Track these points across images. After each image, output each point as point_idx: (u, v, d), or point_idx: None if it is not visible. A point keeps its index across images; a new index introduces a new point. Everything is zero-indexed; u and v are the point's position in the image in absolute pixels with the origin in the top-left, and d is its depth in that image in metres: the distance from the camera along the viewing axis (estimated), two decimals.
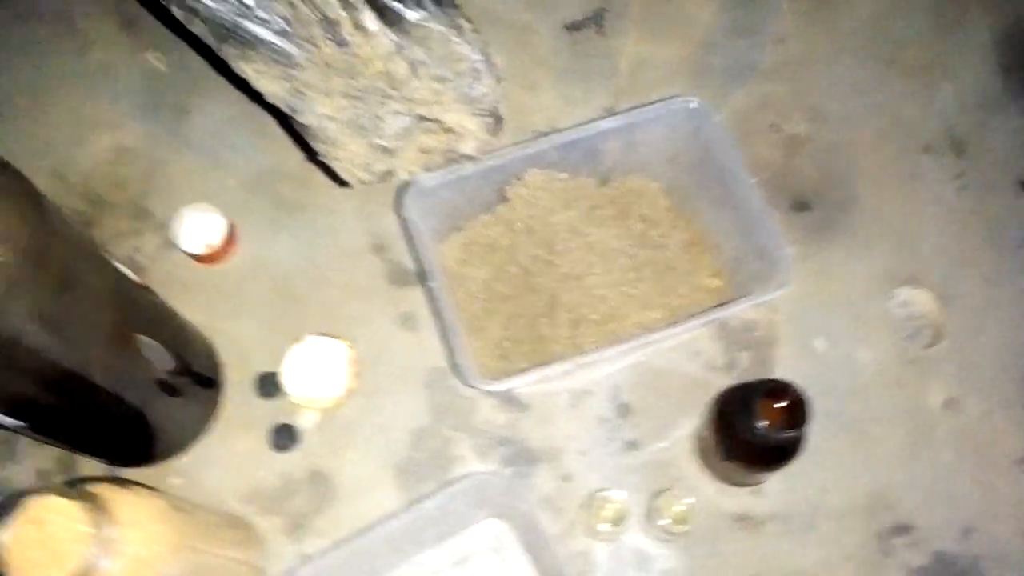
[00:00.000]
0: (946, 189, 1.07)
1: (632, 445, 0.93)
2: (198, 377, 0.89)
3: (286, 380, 0.92)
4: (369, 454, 0.92)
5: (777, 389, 0.79)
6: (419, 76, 0.84)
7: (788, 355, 0.97)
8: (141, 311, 0.81)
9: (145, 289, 0.83)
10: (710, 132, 0.94)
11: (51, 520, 0.56)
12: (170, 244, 1.00)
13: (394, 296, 1.00)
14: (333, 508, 0.89)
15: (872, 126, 1.11)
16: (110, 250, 0.88)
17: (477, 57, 0.86)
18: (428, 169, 0.91)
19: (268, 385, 0.94)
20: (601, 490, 0.87)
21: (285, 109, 0.86)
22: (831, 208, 1.06)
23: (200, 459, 0.91)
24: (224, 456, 0.91)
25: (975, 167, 1.08)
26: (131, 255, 1.01)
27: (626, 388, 0.95)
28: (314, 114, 0.85)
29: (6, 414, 0.70)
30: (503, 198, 0.98)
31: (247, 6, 0.79)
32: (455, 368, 0.93)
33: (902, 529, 0.90)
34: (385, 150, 0.88)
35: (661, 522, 0.83)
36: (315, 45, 0.80)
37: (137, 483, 0.70)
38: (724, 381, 0.95)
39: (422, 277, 0.98)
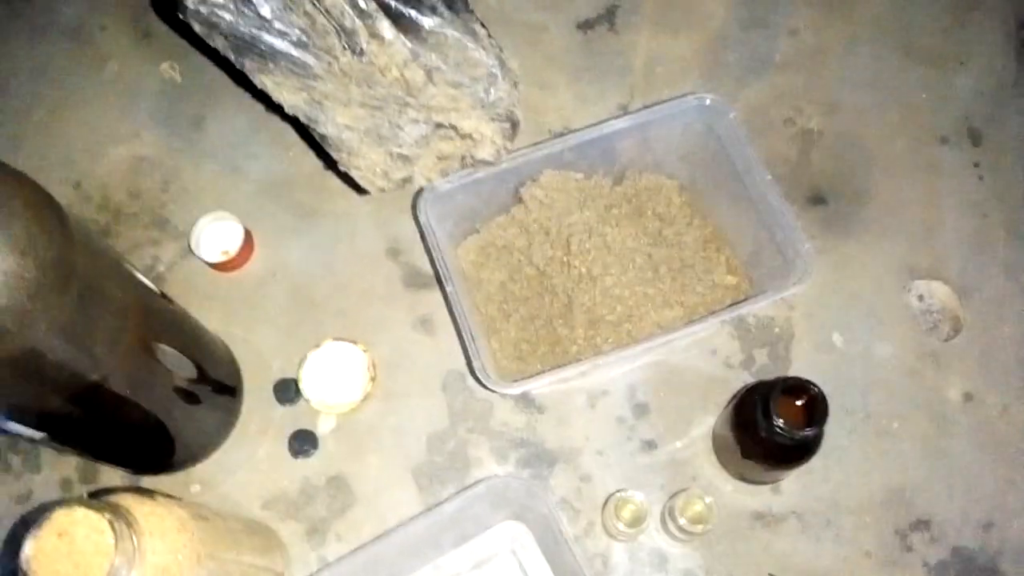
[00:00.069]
0: (963, 180, 1.06)
1: (650, 445, 0.93)
2: (217, 385, 0.90)
3: (304, 386, 0.93)
4: (387, 458, 0.93)
5: (796, 387, 0.79)
6: (436, 83, 0.85)
7: (806, 351, 0.97)
8: (161, 320, 0.82)
9: (164, 298, 0.83)
10: (725, 128, 0.94)
11: (76, 532, 0.57)
12: (188, 252, 1.01)
13: (411, 300, 1.00)
14: (352, 512, 0.90)
15: (888, 117, 1.10)
16: (129, 260, 0.89)
17: (493, 62, 0.86)
18: (445, 175, 0.91)
19: (287, 391, 0.95)
20: (619, 491, 0.87)
21: (304, 120, 0.86)
22: (847, 201, 1.05)
23: (220, 466, 0.92)
24: (244, 462, 0.92)
25: (992, 157, 1.07)
26: (150, 264, 1.02)
27: (643, 388, 0.95)
28: (333, 124, 0.86)
29: (28, 425, 0.72)
30: (518, 200, 0.99)
31: (265, 19, 0.79)
32: (472, 371, 0.93)
33: (921, 525, 0.90)
34: (403, 158, 0.89)
35: (679, 522, 0.83)
36: (333, 55, 0.81)
37: (159, 492, 0.71)
38: (741, 379, 0.95)
39: (439, 280, 0.98)
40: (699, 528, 0.83)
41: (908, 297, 1.00)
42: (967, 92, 1.11)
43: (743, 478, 0.90)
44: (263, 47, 0.81)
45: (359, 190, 0.94)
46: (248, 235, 1.01)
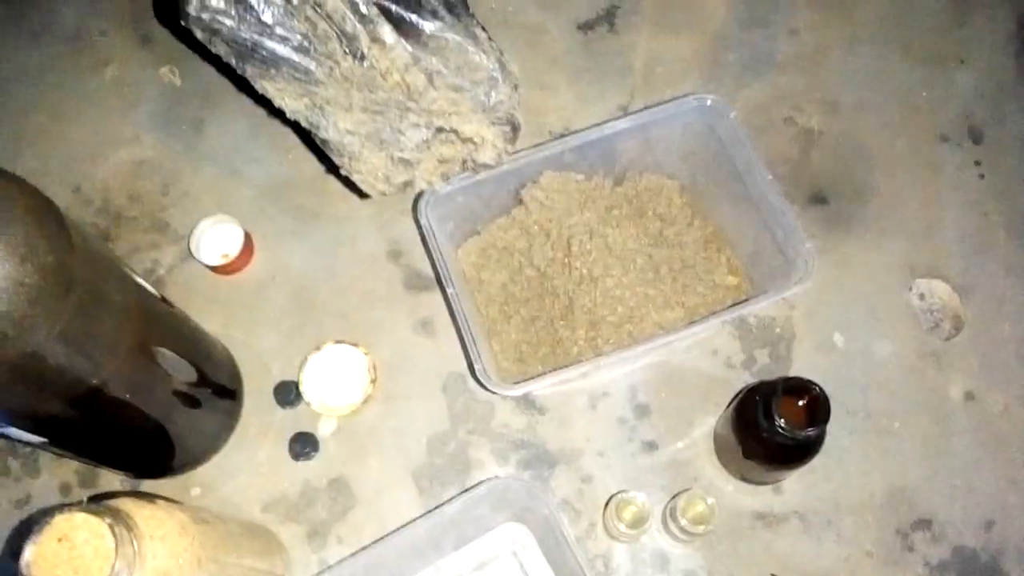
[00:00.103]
0: (964, 178, 1.06)
1: (651, 446, 0.93)
2: (218, 388, 0.90)
3: (305, 388, 0.93)
4: (388, 460, 0.93)
5: (797, 387, 0.79)
6: (437, 87, 0.85)
7: (807, 351, 0.97)
8: (161, 324, 0.82)
9: (164, 302, 0.84)
10: (726, 129, 0.94)
11: (76, 536, 0.57)
12: (188, 256, 1.01)
13: (411, 302, 1.00)
14: (353, 515, 0.90)
15: (888, 116, 1.10)
16: (129, 263, 0.89)
17: (493, 66, 0.86)
18: (446, 179, 0.91)
19: (287, 394, 0.95)
20: (621, 491, 0.87)
21: (306, 125, 0.87)
22: (848, 200, 1.05)
23: (220, 469, 0.92)
24: (244, 465, 0.92)
25: (993, 155, 1.07)
26: (150, 268, 1.02)
27: (644, 388, 0.95)
28: (335, 129, 0.86)
29: (28, 430, 0.72)
30: (519, 201, 0.99)
31: (267, 25, 0.79)
32: (473, 372, 0.93)
33: (922, 524, 0.89)
34: (405, 162, 0.89)
35: (681, 522, 0.83)
36: (334, 60, 0.81)
37: (160, 496, 0.71)
38: (742, 379, 0.95)
39: (439, 282, 0.98)
40: (701, 528, 0.83)
41: (909, 296, 1.00)
42: (968, 91, 1.11)
43: (744, 478, 0.90)
44: (264, 53, 0.81)
45: (360, 193, 0.94)
46: (248, 238, 1.01)
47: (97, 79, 1.15)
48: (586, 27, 1.17)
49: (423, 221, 0.90)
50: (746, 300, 0.94)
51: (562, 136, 0.98)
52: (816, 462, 0.84)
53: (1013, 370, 0.96)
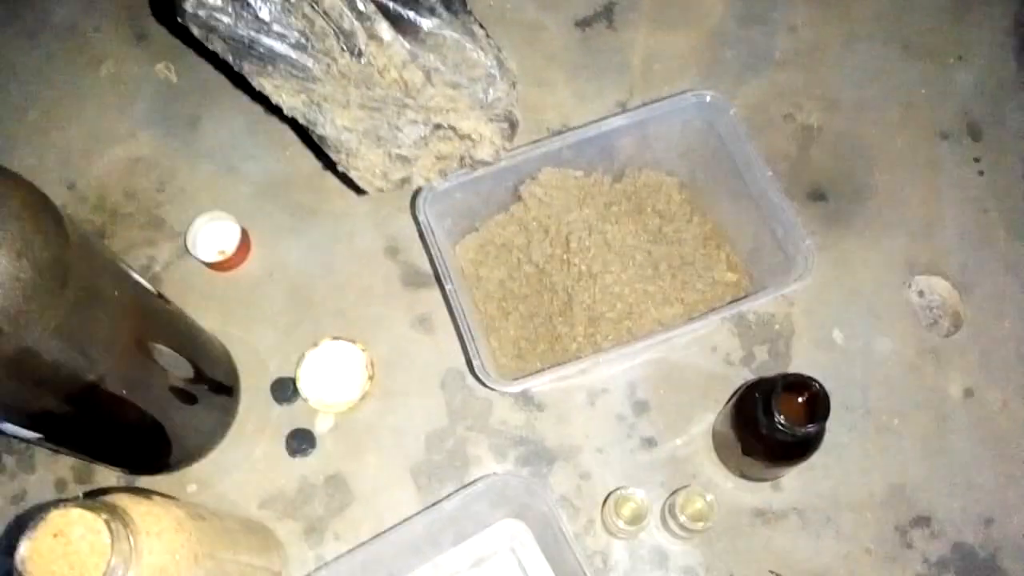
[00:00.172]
0: (963, 175, 1.06)
1: (650, 442, 0.92)
2: (214, 384, 0.89)
3: (302, 385, 0.93)
4: (386, 457, 0.92)
5: (797, 383, 0.79)
6: (434, 84, 0.85)
7: (806, 348, 0.97)
8: (157, 320, 0.81)
9: (161, 298, 0.83)
10: (725, 125, 0.94)
11: (71, 532, 0.57)
12: (184, 252, 1.01)
13: (409, 298, 1.00)
14: (351, 511, 0.90)
15: (887, 113, 1.10)
16: (125, 260, 0.89)
17: (491, 63, 0.86)
18: (444, 176, 0.91)
19: (284, 390, 0.94)
20: (620, 488, 0.86)
21: (303, 122, 0.86)
22: (847, 197, 1.05)
23: (217, 465, 0.92)
24: (241, 462, 0.92)
25: (993, 152, 1.07)
26: (146, 264, 1.02)
27: (643, 385, 0.95)
28: (332, 126, 0.85)
29: (24, 426, 0.71)
30: (518, 198, 0.98)
31: (264, 22, 0.79)
32: (472, 369, 0.92)
33: (921, 521, 0.89)
34: (402, 159, 0.89)
35: (680, 519, 0.83)
36: (331, 57, 0.81)
37: (156, 492, 0.70)
38: (741, 376, 0.95)
39: (437, 279, 0.98)
40: (699, 525, 0.83)
41: (908, 293, 1.00)
42: (967, 87, 1.11)
43: (743, 475, 0.90)
44: (262, 50, 0.81)
45: (357, 190, 0.93)
46: (245, 235, 1.01)
47: (92, 76, 1.15)
48: (584, 24, 1.17)
49: (421, 217, 0.90)
50: (745, 297, 0.94)
51: (560, 133, 0.98)
52: (815, 459, 0.84)
53: (1012, 367, 0.96)
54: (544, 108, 1.10)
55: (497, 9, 1.16)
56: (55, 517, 0.57)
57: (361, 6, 0.80)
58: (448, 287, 0.86)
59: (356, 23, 0.80)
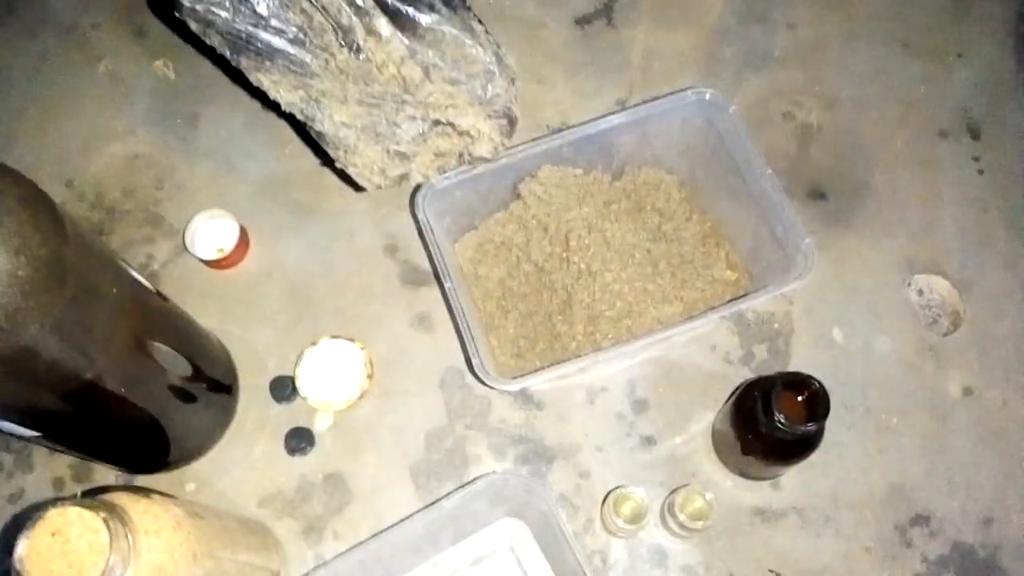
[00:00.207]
0: (963, 174, 1.06)
1: (649, 441, 0.92)
2: (213, 383, 0.89)
3: (301, 383, 0.93)
4: (385, 455, 0.92)
5: (797, 382, 0.79)
6: (433, 80, 0.84)
7: (805, 346, 0.97)
8: (156, 318, 0.81)
9: (160, 296, 0.83)
10: (725, 123, 0.94)
11: (70, 531, 0.56)
12: (183, 250, 1.01)
13: (408, 297, 1.00)
14: (350, 510, 0.90)
15: (887, 111, 1.10)
16: (124, 258, 0.88)
17: (490, 59, 0.86)
18: (443, 172, 0.91)
19: (283, 389, 0.94)
20: (619, 487, 0.86)
21: (301, 118, 0.86)
22: (847, 196, 1.05)
23: (216, 464, 0.92)
24: (240, 460, 0.92)
25: (992, 151, 1.07)
26: (144, 262, 1.01)
27: (642, 384, 0.95)
28: (330, 122, 0.85)
29: (22, 424, 0.71)
30: (517, 196, 0.98)
31: (262, 16, 0.79)
32: (471, 367, 0.92)
33: (921, 520, 0.89)
34: (401, 155, 0.88)
35: (679, 518, 0.83)
36: (330, 53, 0.81)
37: (154, 491, 0.70)
38: (741, 374, 0.95)
39: (437, 277, 0.98)
40: (699, 524, 0.83)
41: (908, 292, 1.00)
42: (966, 86, 1.11)
43: (743, 474, 0.90)
44: (259, 45, 0.81)
45: (356, 187, 0.93)
46: (243, 232, 1.00)
47: (90, 73, 1.14)
48: (584, 21, 1.16)
49: (420, 215, 0.90)
50: (745, 295, 0.93)
51: (559, 131, 0.98)
52: (815, 458, 0.84)
53: (1012, 366, 0.96)
54: (543, 106, 1.10)
55: (496, 6, 1.16)
56: (53, 516, 0.57)
57: (359, 1, 0.80)
58: (447, 285, 0.86)
59: (354, 18, 0.80)
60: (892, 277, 1.00)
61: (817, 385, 0.78)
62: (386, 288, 1.00)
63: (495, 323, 0.96)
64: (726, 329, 0.97)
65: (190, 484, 0.91)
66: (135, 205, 1.05)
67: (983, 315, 0.98)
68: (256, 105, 1.08)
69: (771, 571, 0.87)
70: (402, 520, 0.83)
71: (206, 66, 1.11)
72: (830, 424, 0.79)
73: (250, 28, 0.80)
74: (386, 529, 0.83)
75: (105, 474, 0.91)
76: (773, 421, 0.77)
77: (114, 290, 0.71)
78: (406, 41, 0.83)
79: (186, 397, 0.84)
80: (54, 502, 0.57)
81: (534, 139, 0.95)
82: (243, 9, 0.79)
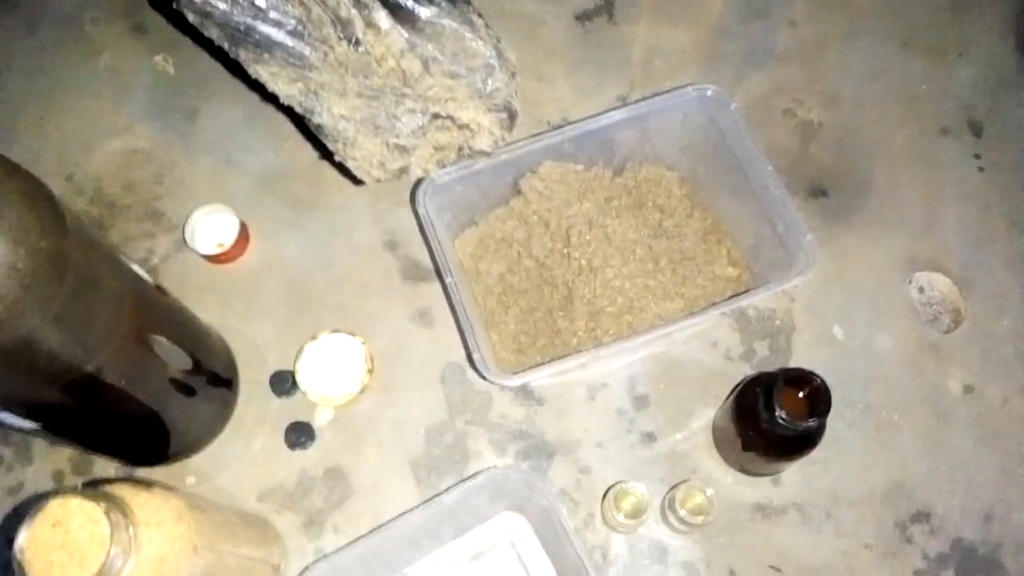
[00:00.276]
0: (964, 171, 1.06)
1: (649, 437, 0.92)
2: (213, 376, 0.89)
3: (301, 378, 0.93)
4: (385, 450, 0.92)
5: (798, 378, 0.79)
6: (432, 73, 0.84)
7: (806, 343, 0.97)
8: (156, 312, 0.81)
9: (160, 290, 0.83)
10: (726, 120, 0.94)
11: (70, 522, 0.56)
12: (183, 245, 1.00)
13: (408, 292, 0.99)
14: (350, 504, 0.89)
15: (888, 109, 1.10)
16: (124, 252, 0.88)
17: (490, 52, 0.85)
18: (442, 166, 0.91)
19: (283, 383, 0.94)
20: (620, 482, 0.86)
21: (300, 110, 0.86)
22: (848, 193, 1.05)
23: (216, 458, 0.91)
24: (240, 454, 0.92)
25: (994, 148, 1.07)
26: (144, 257, 1.01)
27: (643, 380, 0.95)
28: (329, 114, 0.85)
29: (22, 416, 0.71)
30: (517, 191, 0.98)
31: (260, 8, 0.79)
32: (472, 363, 0.92)
33: (921, 517, 0.89)
34: (400, 148, 0.88)
35: (680, 513, 0.83)
36: (328, 45, 0.80)
37: (155, 483, 0.70)
38: (742, 371, 0.95)
39: (437, 273, 0.98)
40: (699, 520, 0.83)
41: (909, 289, 1.00)
42: (967, 84, 1.11)
43: (744, 470, 0.90)
44: (258, 37, 0.81)
45: (355, 181, 0.93)
46: (243, 227, 1.00)
47: (90, 68, 1.14)
48: (584, 18, 1.16)
49: (421, 211, 0.89)
50: (746, 292, 0.93)
51: (560, 127, 0.97)
52: (815, 454, 0.84)
53: (1012, 364, 0.96)
54: (544, 102, 1.10)
55: (496, 2, 1.16)
56: (54, 506, 0.57)
57: None
58: (448, 281, 0.86)
59: (353, 11, 0.80)
60: (893, 274, 1.00)
61: (818, 381, 0.78)
62: (386, 283, 1.00)
63: (496, 319, 0.96)
64: (727, 326, 0.97)
65: (190, 478, 0.91)
66: (135, 200, 1.05)
67: (984, 313, 0.98)
68: (255, 100, 1.08)
69: (771, 567, 0.87)
70: (402, 514, 0.83)
71: (205, 61, 1.11)
72: (831, 421, 0.79)
73: (248, 20, 0.80)
74: (386, 523, 0.83)
75: (105, 467, 0.91)
76: (774, 417, 0.77)
77: (114, 283, 0.71)
78: (405, 34, 0.82)
79: (186, 391, 0.84)
80: (55, 493, 0.57)
81: (535, 135, 0.94)
82: (241, 1, 0.79)
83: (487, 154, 0.91)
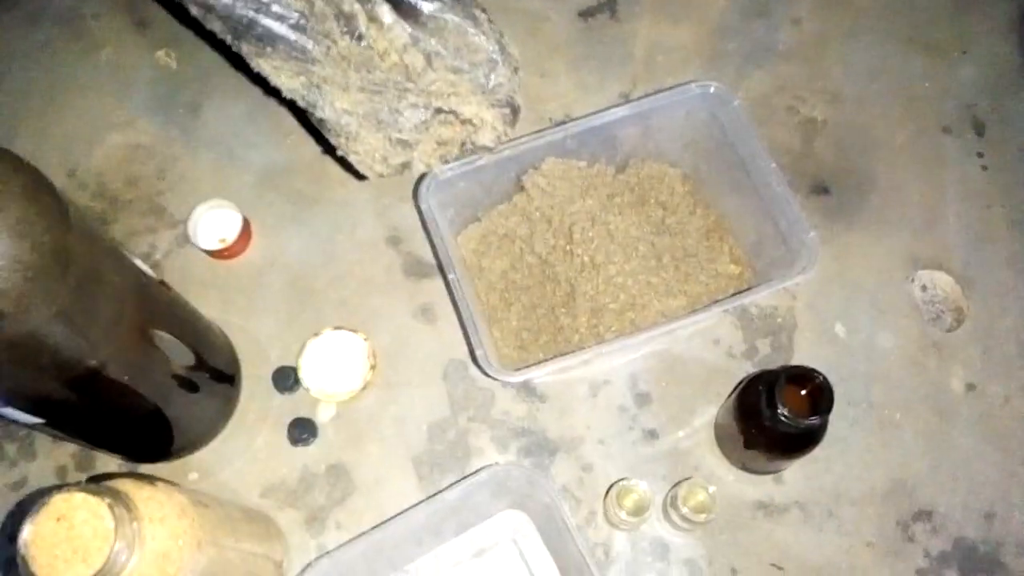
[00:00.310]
0: (967, 170, 1.06)
1: (651, 434, 0.92)
2: (216, 372, 0.89)
3: (304, 374, 0.93)
4: (387, 447, 0.92)
5: (801, 375, 0.79)
6: (435, 68, 0.84)
7: (808, 341, 0.97)
8: (159, 307, 0.81)
9: (163, 285, 0.83)
10: (729, 117, 0.94)
11: (74, 516, 0.56)
12: (185, 241, 1.00)
13: (411, 288, 0.99)
14: (352, 501, 0.89)
15: (890, 107, 1.10)
16: (126, 247, 0.88)
17: (493, 47, 0.85)
18: (445, 161, 0.90)
19: (285, 379, 0.94)
20: (623, 479, 0.86)
21: (302, 104, 0.85)
22: (850, 191, 1.05)
23: (218, 454, 0.91)
24: (242, 451, 0.92)
25: (996, 147, 1.07)
26: (146, 252, 1.01)
27: (645, 377, 0.95)
28: (332, 108, 0.85)
29: (25, 411, 0.71)
30: (520, 188, 0.98)
31: (263, 2, 0.79)
32: (474, 359, 0.92)
33: (923, 515, 0.89)
34: (403, 143, 0.88)
35: (682, 510, 0.83)
36: (331, 39, 0.80)
37: (159, 478, 0.70)
38: (744, 369, 0.95)
39: (440, 269, 0.98)
40: (701, 517, 0.83)
41: (911, 287, 1.00)
42: (970, 82, 1.11)
43: (745, 468, 0.90)
44: (260, 31, 0.80)
45: (358, 176, 0.93)
46: (246, 223, 1.00)
47: (92, 63, 1.14)
48: (587, 14, 1.16)
49: (424, 206, 0.89)
50: (748, 289, 0.93)
51: (562, 123, 0.97)
52: (817, 452, 0.84)
53: (1014, 362, 0.96)
54: (546, 99, 1.10)
55: None
56: (58, 501, 0.57)
57: None
58: (451, 277, 0.86)
59: (356, 5, 0.80)
60: (895, 272, 1.00)
61: (821, 378, 0.78)
62: (389, 279, 1.00)
63: (498, 315, 0.96)
64: (729, 323, 0.97)
65: (193, 474, 0.90)
66: (137, 195, 1.05)
67: (986, 311, 0.98)
68: (258, 94, 1.08)
69: (773, 565, 0.87)
70: (404, 511, 0.83)
71: (207, 56, 1.11)
72: (833, 419, 0.79)
73: (251, 13, 0.80)
74: (388, 520, 0.83)
75: (108, 463, 0.91)
76: (777, 414, 0.77)
77: (118, 277, 0.71)
78: (408, 29, 0.82)
79: (189, 386, 0.84)
80: (59, 487, 0.57)
81: (537, 131, 0.94)
82: None
83: (490, 149, 0.91)
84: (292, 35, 0.80)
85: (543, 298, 0.95)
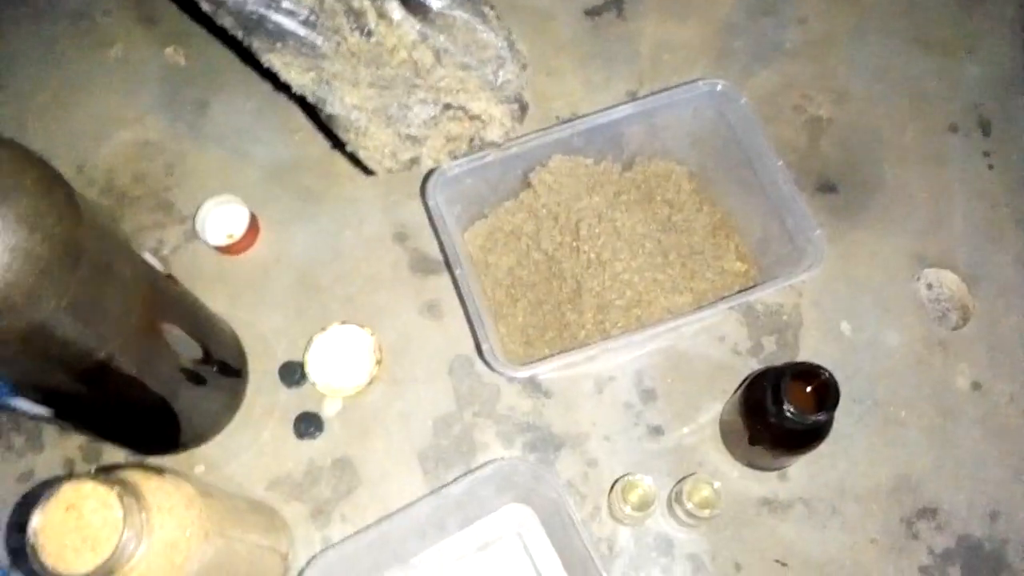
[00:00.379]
0: (973, 168, 1.06)
1: (657, 430, 0.92)
2: (223, 366, 0.89)
3: (310, 369, 0.93)
4: (393, 441, 0.92)
5: (806, 372, 0.79)
6: (444, 64, 0.84)
7: (814, 339, 0.97)
8: (167, 301, 0.81)
9: (171, 280, 0.83)
10: (736, 114, 0.94)
11: (84, 506, 0.57)
12: (193, 236, 1.01)
13: (417, 284, 1.00)
14: (357, 494, 0.90)
15: (897, 105, 1.10)
16: (135, 243, 0.89)
17: (501, 44, 0.86)
18: (453, 157, 0.91)
19: (292, 374, 0.94)
20: (627, 474, 0.86)
21: (312, 100, 0.86)
22: (856, 190, 1.05)
23: (225, 447, 0.92)
24: (249, 444, 0.92)
25: (1002, 146, 1.07)
26: (155, 247, 1.02)
27: (651, 373, 0.95)
28: (341, 104, 0.85)
29: (36, 401, 0.71)
30: (527, 185, 0.98)
31: None
32: (480, 355, 0.93)
33: (927, 513, 0.89)
34: (412, 138, 0.88)
35: (687, 506, 0.83)
36: (341, 35, 0.81)
37: (167, 469, 0.70)
38: (749, 366, 0.95)
39: (447, 265, 0.98)
40: (706, 513, 0.83)
41: (917, 286, 1.00)
42: (976, 81, 1.11)
43: (750, 464, 0.90)
44: (271, 26, 0.81)
45: (366, 172, 0.93)
46: (253, 218, 1.01)
47: (101, 59, 1.15)
48: (594, 13, 1.17)
49: (431, 203, 0.90)
50: (754, 286, 0.93)
51: (569, 121, 0.98)
52: (822, 449, 0.84)
53: (1020, 361, 0.96)
54: (553, 97, 1.10)
55: None
56: (68, 490, 0.57)
57: None
58: (457, 272, 0.86)
59: (366, 1, 0.80)
60: (901, 271, 1.00)
61: (827, 375, 0.78)
62: (395, 275, 1.00)
63: (504, 311, 0.96)
64: (735, 320, 0.98)
65: (199, 466, 0.91)
66: (145, 191, 1.05)
67: (992, 310, 0.98)
68: (266, 91, 1.08)
69: (777, 561, 0.87)
70: (409, 505, 0.83)
71: (216, 53, 1.11)
72: (838, 416, 0.79)
73: (261, 9, 0.80)
74: (393, 513, 0.83)
75: (115, 455, 0.92)
76: (782, 410, 0.77)
77: (127, 271, 0.72)
78: (417, 25, 0.83)
79: (196, 380, 0.84)
80: (68, 477, 0.58)
81: (544, 129, 0.95)
82: None
83: (498, 145, 0.91)
84: (302, 31, 0.81)
85: (549, 294, 0.95)
